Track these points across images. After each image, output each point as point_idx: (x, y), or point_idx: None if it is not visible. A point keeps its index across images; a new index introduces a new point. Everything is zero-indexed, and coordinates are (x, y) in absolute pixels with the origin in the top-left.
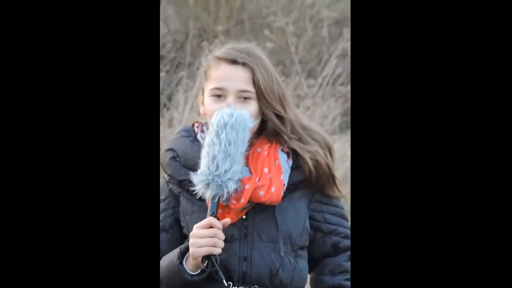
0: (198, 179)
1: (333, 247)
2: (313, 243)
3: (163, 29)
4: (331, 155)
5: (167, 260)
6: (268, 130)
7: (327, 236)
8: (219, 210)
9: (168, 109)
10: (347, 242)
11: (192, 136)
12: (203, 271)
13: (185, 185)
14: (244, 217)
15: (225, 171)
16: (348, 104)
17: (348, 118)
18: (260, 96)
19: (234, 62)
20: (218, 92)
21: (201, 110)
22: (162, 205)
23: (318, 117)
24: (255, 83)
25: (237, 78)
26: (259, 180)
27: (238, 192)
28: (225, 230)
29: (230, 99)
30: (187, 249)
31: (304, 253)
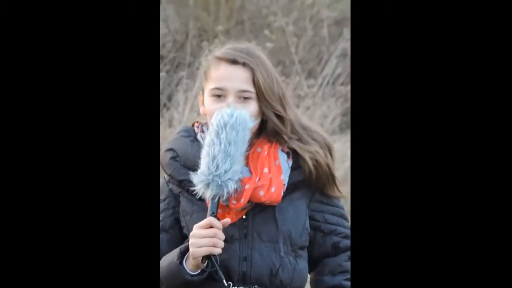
0: (198, 179)
1: (333, 247)
2: (313, 243)
3: (163, 29)
4: (331, 155)
5: (167, 260)
6: (268, 130)
7: (327, 236)
8: (219, 210)
9: (168, 109)
10: (347, 242)
11: (192, 136)
12: (203, 271)
13: (185, 185)
14: (244, 217)
15: (225, 171)
16: (348, 104)
17: (348, 118)
18: (260, 96)
19: (234, 62)
20: (218, 92)
21: (201, 110)
22: (162, 205)
23: (318, 117)
24: (255, 83)
25: (237, 78)
26: (259, 180)
27: (238, 192)
28: (225, 230)
29: (230, 99)
30: (187, 249)
31: (304, 253)
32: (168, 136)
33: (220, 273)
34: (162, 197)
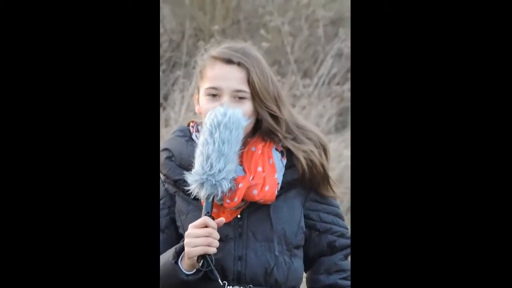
0: (192, 178)
1: (329, 246)
2: (309, 242)
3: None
4: (326, 154)
5: (162, 260)
6: (263, 129)
7: (322, 235)
8: (214, 210)
9: (164, 108)
10: (343, 241)
11: (187, 136)
12: (198, 270)
13: (180, 184)
14: (239, 216)
15: (219, 171)
16: (344, 104)
17: (343, 118)
18: (255, 96)
19: (229, 61)
20: (213, 92)
21: (197, 109)
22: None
23: (314, 117)
24: (250, 83)
25: (232, 78)
26: (253, 179)
27: (232, 191)
28: (220, 229)
29: (225, 98)
30: (182, 249)
31: (300, 252)
32: (165, 136)
33: (215, 272)
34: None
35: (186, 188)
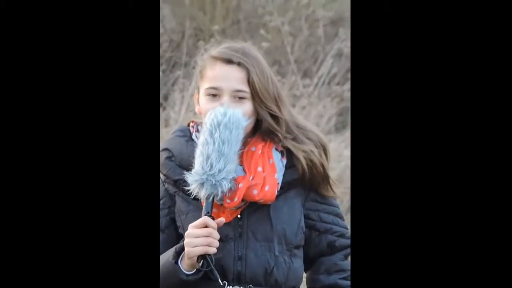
0: (192, 178)
1: (329, 246)
2: (309, 242)
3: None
4: (326, 154)
5: (162, 260)
6: (263, 129)
7: (322, 235)
8: (214, 210)
9: (164, 108)
10: (343, 241)
11: (187, 136)
12: (198, 270)
13: (180, 184)
14: (239, 216)
15: (219, 170)
16: (344, 104)
17: (343, 118)
18: (255, 96)
19: (229, 61)
20: (213, 92)
21: (197, 108)
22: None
23: (314, 117)
24: (250, 83)
25: (232, 78)
26: (253, 179)
27: (232, 191)
28: (220, 229)
29: (225, 98)
30: (182, 249)
31: (300, 252)
32: (165, 136)
33: (215, 272)
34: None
35: (186, 188)
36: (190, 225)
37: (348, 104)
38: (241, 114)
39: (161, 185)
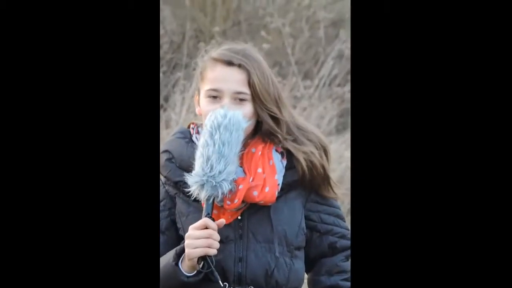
0: (192, 180)
1: (330, 247)
2: (310, 243)
3: (159, 30)
4: (326, 156)
5: (163, 261)
6: (263, 130)
7: (323, 236)
8: (214, 211)
9: (165, 110)
10: (344, 242)
11: (187, 138)
12: (199, 272)
13: (181, 186)
14: (239, 217)
15: (220, 172)
16: (345, 105)
17: (344, 119)
18: (256, 98)
19: (230, 63)
20: (214, 93)
21: (197, 110)
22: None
23: (315, 118)
24: (250, 85)
25: (232, 80)
26: (253, 180)
27: (233, 192)
28: (220, 231)
29: (226, 100)
30: (182, 251)
31: (301, 254)
32: (165, 137)
33: (216, 274)
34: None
35: (187, 189)
36: (191, 227)
37: (349, 105)
38: (241, 116)
39: (161, 187)
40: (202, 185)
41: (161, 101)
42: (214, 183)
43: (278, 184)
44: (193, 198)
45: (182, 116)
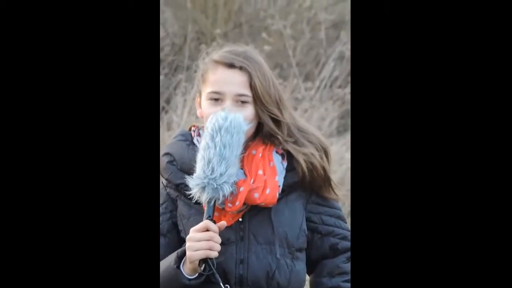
0: (193, 182)
1: (331, 249)
2: (311, 245)
3: (161, 32)
4: (327, 157)
5: (164, 264)
6: (264, 132)
7: (324, 237)
8: (216, 213)
9: (166, 112)
10: (345, 243)
11: (188, 140)
12: (200, 275)
13: (182, 189)
14: (240, 219)
15: (221, 174)
16: (346, 107)
17: (345, 121)
18: (257, 100)
19: (231, 66)
20: (216, 96)
21: (198, 112)
22: (160, 209)
23: (316, 120)
24: (252, 87)
25: (234, 82)
26: (253, 182)
27: (234, 195)
28: (221, 233)
29: (228, 102)
30: (184, 253)
31: (302, 255)
32: (167, 139)
33: (217, 276)
34: (160, 201)
35: (188, 192)
36: (192, 229)
37: (349, 107)
38: (242, 118)
39: (163, 189)
40: (203, 188)
41: (163, 103)
42: (215, 186)
43: (279, 186)
44: (194, 201)
45: (183, 118)
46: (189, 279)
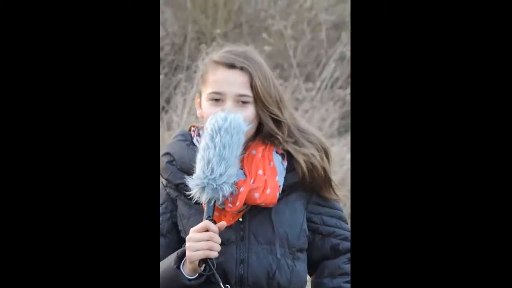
0: (193, 183)
1: (332, 250)
2: (312, 246)
3: (161, 32)
4: (327, 158)
5: (164, 265)
6: (264, 132)
7: (325, 238)
8: (216, 213)
9: (166, 112)
10: (346, 244)
11: (188, 140)
12: (200, 275)
13: (182, 189)
14: (240, 219)
15: (220, 175)
16: (346, 108)
17: (346, 122)
18: (258, 100)
19: (232, 66)
20: (217, 96)
21: (198, 113)
22: (160, 209)
23: (317, 121)
24: (253, 87)
25: (235, 83)
26: (253, 182)
27: (234, 195)
28: (221, 233)
29: (228, 103)
30: (184, 254)
31: (303, 256)
32: (167, 139)
33: (217, 276)
34: (160, 201)
35: (188, 192)
36: (191, 229)
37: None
38: (241, 119)
39: (162, 189)
40: (203, 188)
41: (163, 103)
42: (214, 186)
43: (279, 186)
44: (194, 201)
45: (183, 118)
46: (189, 280)
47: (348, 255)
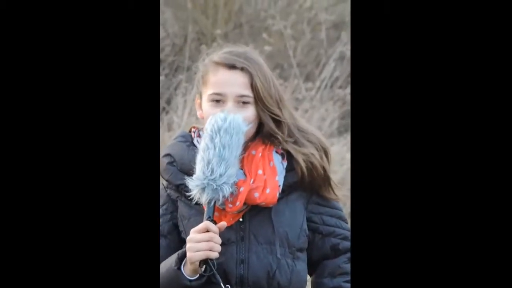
0: (193, 183)
1: (332, 249)
2: (312, 245)
3: (161, 33)
4: (327, 157)
5: (165, 266)
6: (264, 132)
7: (325, 238)
8: (216, 214)
9: (167, 112)
10: (346, 243)
11: (188, 141)
12: (201, 275)
13: (182, 189)
14: (241, 219)
15: (220, 175)
16: (346, 107)
17: (346, 121)
18: (258, 100)
19: (232, 67)
20: (217, 97)
21: (199, 114)
22: (160, 211)
23: (316, 120)
24: (253, 87)
25: (235, 83)
26: (253, 182)
27: (234, 195)
28: (222, 233)
29: (229, 104)
30: (184, 255)
31: (303, 256)
32: (167, 140)
33: (218, 276)
34: (160, 202)
35: (188, 193)
36: (192, 230)
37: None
38: (241, 119)
39: (163, 190)
40: (203, 189)
41: (163, 104)
42: (215, 186)
43: (279, 186)
44: (194, 202)
45: (184, 119)
46: (190, 280)
47: (348, 254)
